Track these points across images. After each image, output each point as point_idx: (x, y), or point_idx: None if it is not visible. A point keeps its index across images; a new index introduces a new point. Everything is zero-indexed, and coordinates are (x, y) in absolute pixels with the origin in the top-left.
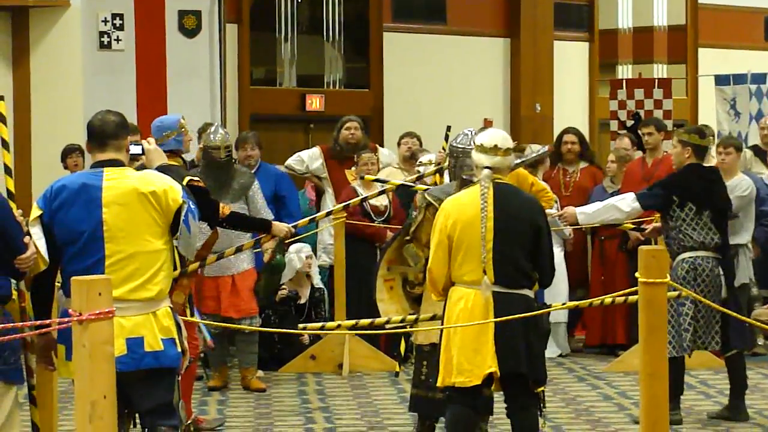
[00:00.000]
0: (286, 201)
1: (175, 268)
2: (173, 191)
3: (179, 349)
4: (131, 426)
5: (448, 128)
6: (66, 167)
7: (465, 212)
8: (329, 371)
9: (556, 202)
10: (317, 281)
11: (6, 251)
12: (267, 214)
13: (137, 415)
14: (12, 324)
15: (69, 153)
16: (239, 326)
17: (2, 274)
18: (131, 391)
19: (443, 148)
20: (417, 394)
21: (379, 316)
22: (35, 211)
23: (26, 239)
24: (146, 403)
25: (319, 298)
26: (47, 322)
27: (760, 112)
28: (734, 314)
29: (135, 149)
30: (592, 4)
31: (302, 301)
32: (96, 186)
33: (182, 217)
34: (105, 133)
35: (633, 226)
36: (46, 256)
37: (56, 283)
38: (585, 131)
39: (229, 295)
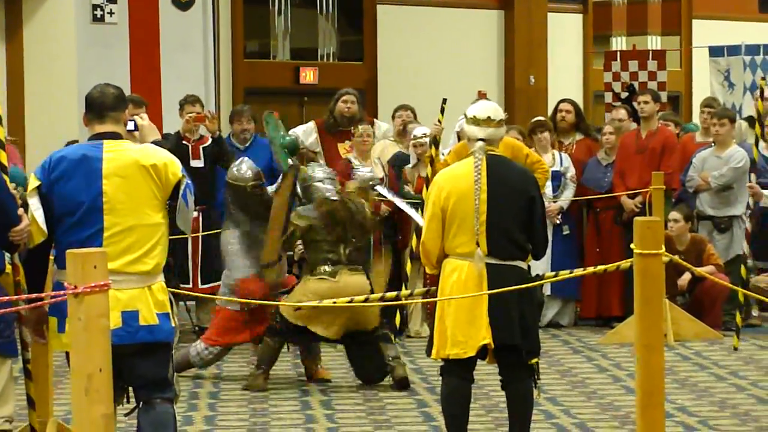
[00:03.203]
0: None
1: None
2: (173, 165)
3: (173, 324)
4: (125, 401)
5: (444, 101)
6: None
7: (459, 184)
8: (324, 345)
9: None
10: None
11: (0, 223)
12: None
13: (131, 388)
14: (7, 297)
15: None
16: (234, 299)
17: None
18: (125, 365)
19: (438, 121)
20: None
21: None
22: (33, 182)
23: (20, 211)
24: (141, 377)
25: None
26: (41, 295)
27: (754, 83)
28: None
29: (128, 125)
30: None
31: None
32: (96, 157)
33: (181, 192)
34: (104, 105)
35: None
36: (44, 227)
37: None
38: (580, 103)
39: None
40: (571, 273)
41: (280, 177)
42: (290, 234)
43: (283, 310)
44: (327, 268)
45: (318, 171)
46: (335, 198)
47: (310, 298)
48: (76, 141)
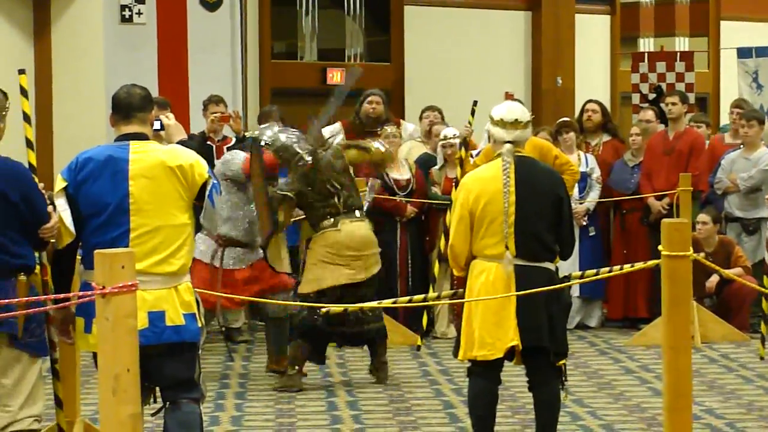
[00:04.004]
0: None
1: None
2: (199, 166)
3: (199, 324)
4: (151, 401)
5: (475, 103)
6: None
7: (487, 187)
8: (351, 345)
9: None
10: None
11: (31, 221)
12: None
13: (158, 389)
14: (38, 297)
15: None
16: (266, 300)
17: (26, 244)
18: (152, 365)
19: (469, 123)
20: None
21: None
22: (60, 183)
23: (49, 209)
24: (167, 377)
25: None
26: (69, 295)
27: None
28: None
29: (154, 125)
30: None
31: None
32: (123, 158)
33: (207, 192)
34: (131, 105)
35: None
36: (72, 228)
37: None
38: (607, 104)
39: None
40: (597, 274)
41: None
42: (286, 202)
43: (303, 287)
44: (327, 222)
45: (281, 135)
46: (308, 158)
47: (320, 253)
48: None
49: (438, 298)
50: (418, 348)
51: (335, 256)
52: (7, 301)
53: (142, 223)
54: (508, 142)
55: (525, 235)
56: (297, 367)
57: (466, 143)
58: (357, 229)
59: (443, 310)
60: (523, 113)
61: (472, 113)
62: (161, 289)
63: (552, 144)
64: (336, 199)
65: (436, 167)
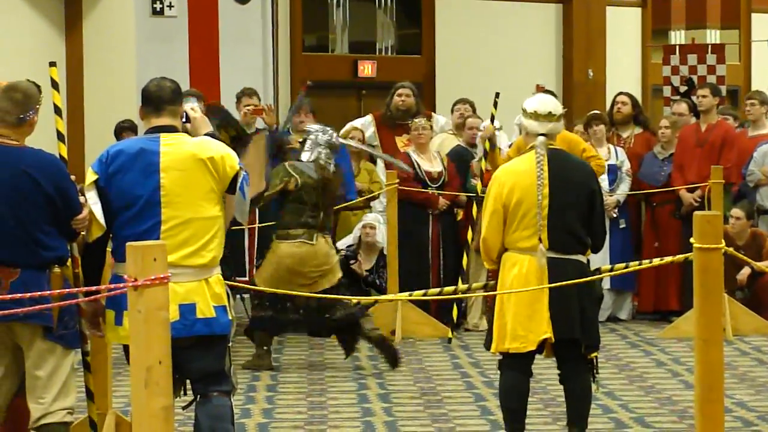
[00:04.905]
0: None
1: None
2: (230, 158)
3: (230, 317)
4: (182, 393)
5: (497, 95)
6: None
7: (521, 180)
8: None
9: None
10: (385, 249)
11: (64, 212)
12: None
13: (189, 381)
14: (70, 289)
15: (121, 131)
16: (294, 293)
17: (59, 235)
18: (182, 358)
19: (492, 116)
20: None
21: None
22: (91, 176)
23: (81, 200)
24: (198, 370)
25: (383, 265)
26: (100, 288)
27: None
28: None
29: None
30: None
31: (367, 266)
32: (154, 151)
33: (238, 184)
34: (162, 98)
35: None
36: (103, 221)
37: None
38: (638, 97)
39: None
40: (626, 267)
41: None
42: (286, 184)
43: (258, 280)
44: (302, 231)
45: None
46: (333, 168)
47: (285, 262)
48: (126, 122)
49: (468, 290)
50: (449, 340)
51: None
52: (41, 293)
53: (173, 216)
54: (542, 134)
55: (558, 227)
56: (265, 348)
57: (491, 140)
58: (324, 246)
59: (476, 301)
60: (557, 106)
61: (495, 105)
62: (192, 282)
63: (581, 137)
64: (320, 214)
65: (476, 159)
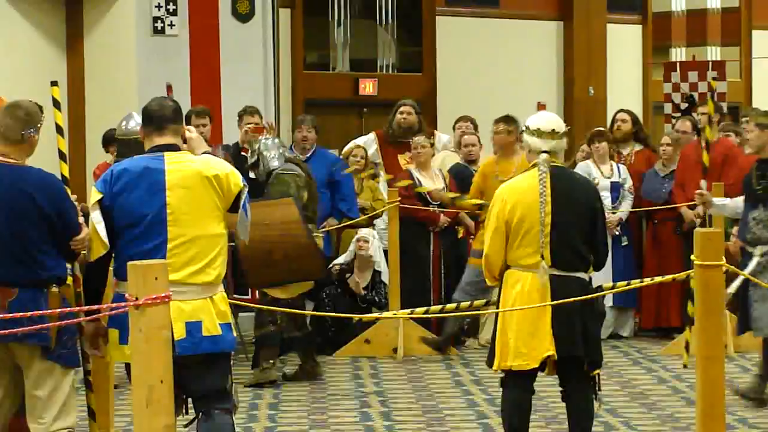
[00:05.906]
0: (340, 185)
1: None
2: (234, 176)
3: (235, 334)
4: (184, 412)
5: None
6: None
7: (524, 197)
8: (384, 355)
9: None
10: (379, 265)
11: (62, 232)
12: None
13: (190, 399)
14: (70, 308)
15: (110, 141)
16: (292, 311)
17: (58, 255)
18: (187, 375)
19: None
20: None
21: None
22: (95, 195)
23: (80, 221)
24: (201, 388)
25: (380, 281)
26: (101, 307)
27: None
28: None
29: None
30: None
31: (363, 284)
32: (159, 169)
33: (242, 202)
34: (164, 117)
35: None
36: (106, 240)
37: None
38: (639, 114)
39: None
40: (628, 284)
41: None
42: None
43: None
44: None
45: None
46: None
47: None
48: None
49: (470, 307)
50: (451, 357)
51: None
52: (39, 312)
53: (179, 234)
54: (544, 151)
55: (560, 245)
56: (271, 361)
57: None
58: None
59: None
60: (560, 123)
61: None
62: (198, 299)
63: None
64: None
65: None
